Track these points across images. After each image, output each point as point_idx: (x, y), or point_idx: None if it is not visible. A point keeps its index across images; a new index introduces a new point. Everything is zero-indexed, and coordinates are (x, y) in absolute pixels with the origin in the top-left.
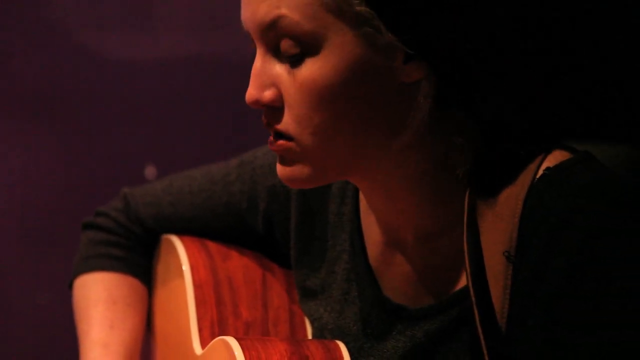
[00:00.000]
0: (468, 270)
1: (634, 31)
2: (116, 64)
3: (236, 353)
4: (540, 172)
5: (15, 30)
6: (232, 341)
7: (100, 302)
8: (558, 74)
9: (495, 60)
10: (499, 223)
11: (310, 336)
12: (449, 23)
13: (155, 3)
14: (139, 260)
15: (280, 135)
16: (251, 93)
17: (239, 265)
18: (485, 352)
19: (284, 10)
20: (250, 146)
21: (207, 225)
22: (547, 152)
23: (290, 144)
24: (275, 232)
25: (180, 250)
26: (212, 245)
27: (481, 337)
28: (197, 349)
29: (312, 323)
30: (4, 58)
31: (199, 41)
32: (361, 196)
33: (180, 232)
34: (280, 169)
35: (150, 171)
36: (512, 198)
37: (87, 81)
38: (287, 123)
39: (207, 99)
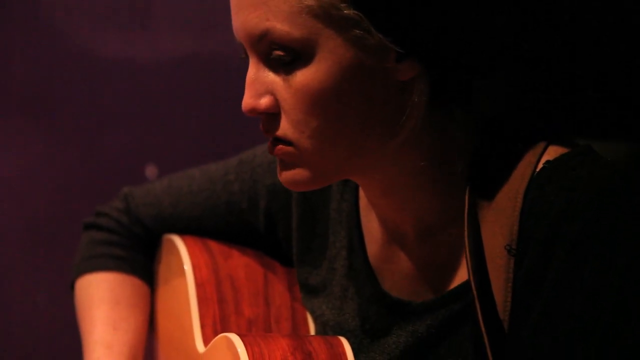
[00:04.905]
0: (469, 264)
1: (632, 27)
2: (115, 64)
3: (239, 349)
4: (540, 165)
5: (13, 30)
6: (235, 337)
7: (103, 303)
8: (555, 68)
9: (488, 54)
10: (499, 217)
11: (312, 333)
12: (438, 20)
13: (153, 2)
14: (140, 260)
15: (279, 140)
16: (247, 102)
17: (240, 264)
18: (487, 346)
19: (272, 22)
20: (249, 144)
21: (207, 225)
22: (547, 145)
23: (289, 148)
24: (278, 230)
25: (182, 250)
26: (213, 244)
27: (483, 331)
28: (200, 346)
29: (314, 320)
30: (1, 58)
31: (197, 40)
32: (361, 193)
33: (180, 232)
34: (281, 173)
35: (151, 171)
36: (512, 192)
37: (86, 81)
38: (285, 128)
39: (205, 98)
